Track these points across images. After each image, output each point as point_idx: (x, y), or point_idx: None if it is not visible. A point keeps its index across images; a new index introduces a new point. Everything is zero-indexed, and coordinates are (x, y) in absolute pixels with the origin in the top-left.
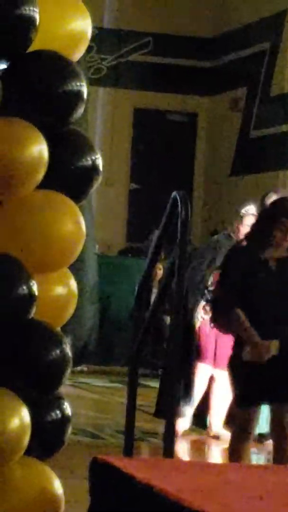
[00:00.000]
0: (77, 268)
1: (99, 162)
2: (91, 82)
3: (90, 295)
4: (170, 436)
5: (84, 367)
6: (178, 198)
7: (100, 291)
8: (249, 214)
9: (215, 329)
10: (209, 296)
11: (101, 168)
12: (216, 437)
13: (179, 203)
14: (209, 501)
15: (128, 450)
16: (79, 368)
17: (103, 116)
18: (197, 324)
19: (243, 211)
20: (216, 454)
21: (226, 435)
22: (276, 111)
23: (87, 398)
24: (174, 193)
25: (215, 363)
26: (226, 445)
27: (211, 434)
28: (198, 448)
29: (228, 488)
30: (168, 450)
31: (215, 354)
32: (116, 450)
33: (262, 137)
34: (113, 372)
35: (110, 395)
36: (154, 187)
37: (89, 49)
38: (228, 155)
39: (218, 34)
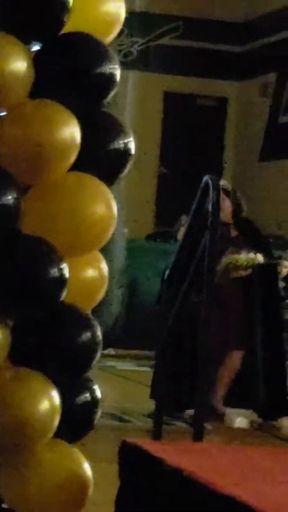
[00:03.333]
0: (105, 252)
1: (132, 145)
2: (122, 66)
3: (118, 279)
4: (199, 420)
5: (111, 351)
6: (209, 183)
7: (128, 275)
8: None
9: None
10: None
11: (133, 151)
12: None
13: (210, 188)
14: (240, 486)
15: (157, 434)
16: (106, 351)
17: (133, 99)
18: None
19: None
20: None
21: None
22: None
23: (114, 381)
24: (205, 178)
25: None
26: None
27: None
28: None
29: (259, 472)
30: (198, 434)
31: None
32: (144, 434)
33: None
34: (140, 356)
35: (137, 379)
36: (183, 172)
37: (119, 32)
38: (257, 140)
39: (249, 19)
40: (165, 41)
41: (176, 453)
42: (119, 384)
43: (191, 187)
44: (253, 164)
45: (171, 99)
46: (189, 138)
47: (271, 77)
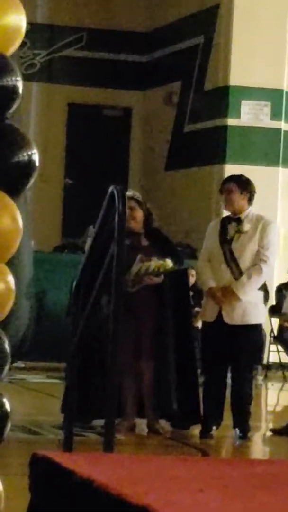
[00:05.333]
0: (12, 264)
1: (36, 157)
2: (25, 78)
3: (26, 291)
4: (110, 431)
5: (21, 364)
6: (115, 192)
7: (36, 287)
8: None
9: None
10: None
11: (37, 163)
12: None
13: (116, 198)
14: (150, 494)
15: (68, 445)
16: (15, 364)
17: (37, 111)
18: None
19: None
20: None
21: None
22: (210, 105)
23: (24, 394)
24: (111, 188)
25: None
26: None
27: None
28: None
29: (169, 481)
30: (108, 445)
31: None
32: (55, 446)
33: (196, 131)
34: (50, 368)
35: (48, 391)
36: (89, 183)
37: (22, 44)
38: (163, 149)
39: (152, 29)
40: (69, 52)
41: (87, 464)
42: (30, 397)
43: (98, 198)
44: (160, 173)
45: (75, 110)
46: (95, 148)
47: (176, 86)
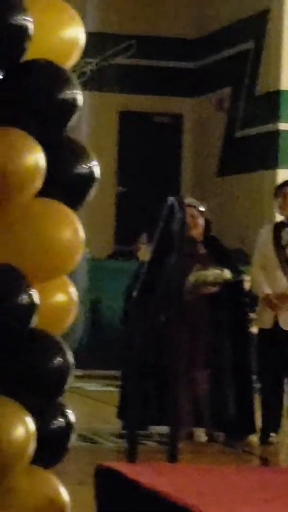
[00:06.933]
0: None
1: (96, 169)
2: None
3: (81, 299)
4: (174, 440)
5: (77, 371)
6: (175, 203)
7: (91, 294)
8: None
9: None
10: None
11: (98, 175)
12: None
13: (176, 209)
14: (214, 505)
15: (132, 455)
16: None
17: (89, 120)
18: None
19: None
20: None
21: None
22: (261, 110)
23: (81, 402)
24: (171, 199)
25: None
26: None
27: None
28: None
29: (233, 491)
30: (172, 455)
31: None
32: (114, 455)
33: (248, 137)
34: (105, 376)
35: (103, 399)
36: (141, 190)
37: None
38: (214, 155)
39: (201, 35)
40: (119, 60)
41: (152, 474)
42: (87, 405)
43: (150, 205)
44: (212, 179)
45: (126, 118)
46: (146, 156)
47: (226, 91)
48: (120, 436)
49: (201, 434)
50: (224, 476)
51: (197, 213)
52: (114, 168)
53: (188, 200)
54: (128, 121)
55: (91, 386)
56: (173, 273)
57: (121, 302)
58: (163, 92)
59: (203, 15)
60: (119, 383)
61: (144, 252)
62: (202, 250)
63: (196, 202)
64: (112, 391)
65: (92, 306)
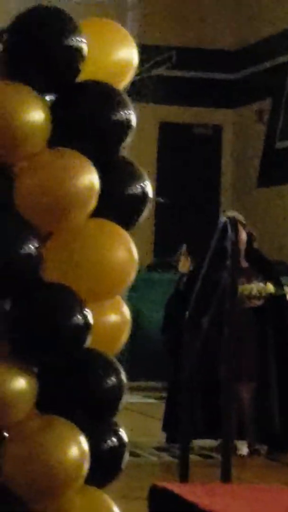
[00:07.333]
0: None
1: (149, 189)
2: None
3: None
4: (227, 461)
5: None
6: (228, 224)
7: (131, 306)
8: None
9: None
10: None
11: (150, 194)
12: None
13: (229, 228)
14: None
15: (184, 475)
16: None
17: None
18: None
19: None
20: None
21: None
22: None
23: (122, 414)
24: (223, 219)
25: None
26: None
27: None
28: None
29: None
30: (226, 475)
31: None
32: (157, 468)
33: None
34: (146, 387)
35: (144, 411)
36: (181, 201)
37: None
38: (254, 166)
39: (241, 46)
40: (159, 71)
41: (207, 495)
42: (128, 417)
43: (190, 216)
44: (252, 190)
45: (166, 129)
46: (186, 167)
47: (266, 103)
48: (162, 449)
49: (243, 447)
50: (277, 495)
51: (240, 227)
52: (154, 179)
53: (231, 213)
54: (168, 133)
55: (131, 398)
56: (227, 291)
57: (161, 313)
58: (203, 104)
59: (243, 26)
60: (160, 394)
61: (184, 264)
62: (244, 263)
63: (239, 216)
64: (152, 403)
65: (132, 317)
